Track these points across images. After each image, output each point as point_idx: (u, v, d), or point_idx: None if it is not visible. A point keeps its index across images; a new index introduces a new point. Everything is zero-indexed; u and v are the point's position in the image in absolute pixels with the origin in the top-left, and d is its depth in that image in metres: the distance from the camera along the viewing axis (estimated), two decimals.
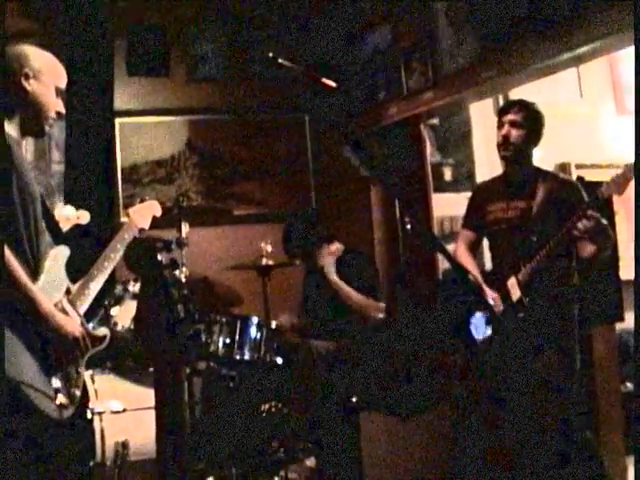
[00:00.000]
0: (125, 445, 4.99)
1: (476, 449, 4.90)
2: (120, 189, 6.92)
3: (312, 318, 5.99)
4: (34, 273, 3.24)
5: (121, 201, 6.86)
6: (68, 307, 3.34)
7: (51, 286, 3.30)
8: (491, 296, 4.75)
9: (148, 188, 6.97)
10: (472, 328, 4.77)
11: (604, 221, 4.45)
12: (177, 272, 4.81)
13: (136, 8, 6.98)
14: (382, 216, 7.13)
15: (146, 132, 7.05)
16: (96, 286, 3.54)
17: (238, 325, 5.27)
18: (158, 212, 4.23)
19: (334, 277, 5.71)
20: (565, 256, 4.68)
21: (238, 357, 5.23)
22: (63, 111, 3.46)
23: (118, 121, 6.88)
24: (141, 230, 3.98)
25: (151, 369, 5.24)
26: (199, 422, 5.41)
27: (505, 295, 4.72)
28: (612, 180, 4.35)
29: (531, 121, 4.79)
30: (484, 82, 5.91)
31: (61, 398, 3.21)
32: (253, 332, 5.28)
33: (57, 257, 3.40)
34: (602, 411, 5.42)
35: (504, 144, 4.79)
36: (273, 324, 5.46)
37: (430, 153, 7.11)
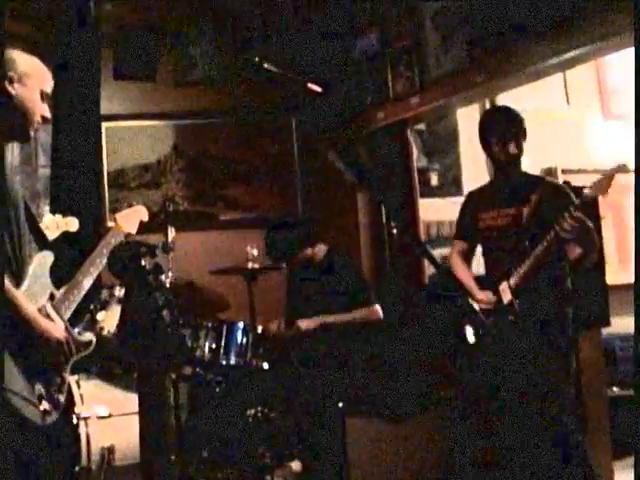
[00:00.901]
0: (111, 450, 4.98)
1: (467, 452, 4.91)
2: (107, 193, 6.90)
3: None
4: (17, 278, 3.21)
5: (107, 205, 6.84)
6: (52, 312, 3.30)
7: (35, 291, 3.27)
8: (481, 296, 4.81)
9: (134, 193, 6.96)
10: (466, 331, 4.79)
11: (589, 223, 4.48)
12: (162, 277, 4.79)
13: (123, 12, 6.96)
14: (368, 220, 7.13)
15: (133, 136, 7.03)
16: (81, 291, 3.51)
17: (224, 330, 5.26)
18: (145, 217, 4.19)
19: (317, 321, 5.75)
20: (557, 260, 4.70)
21: (224, 362, 5.23)
22: (49, 115, 3.43)
23: (105, 125, 6.85)
24: (127, 235, 3.94)
25: (135, 375, 5.23)
26: (185, 427, 5.40)
27: (497, 299, 4.75)
28: (596, 182, 4.40)
29: (525, 132, 4.86)
30: (471, 87, 5.92)
31: (45, 404, 3.18)
32: (239, 337, 5.28)
33: (41, 262, 3.36)
34: (589, 415, 5.42)
35: (513, 162, 4.83)
36: (259, 329, 5.45)
37: (416, 158, 7.11)
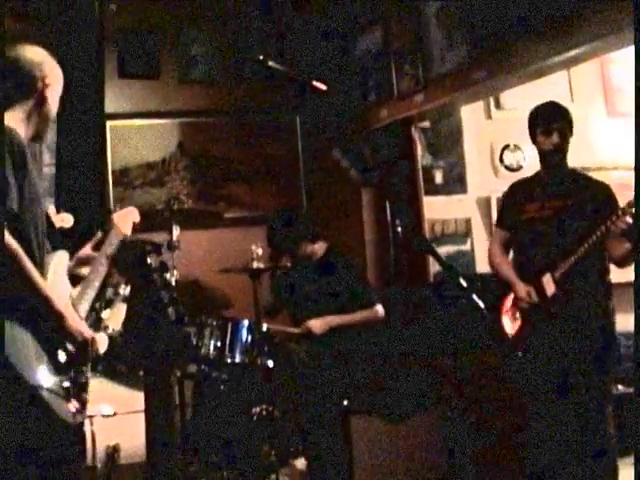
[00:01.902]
0: (116, 449, 4.98)
1: (468, 452, 4.91)
2: (111, 192, 6.91)
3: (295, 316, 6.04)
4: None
5: (112, 204, 6.83)
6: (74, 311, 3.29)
7: (57, 290, 3.24)
8: (525, 290, 4.85)
9: (139, 191, 6.96)
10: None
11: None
12: (167, 275, 4.80)
13: (127, 10, 6.97)
14: (373, 218, 7.13)
15: (137, 135, 7.03)
16: (94, 291, 3.51)
17: (229, 328, 5.26)
18: (137, 218, 4.16)
19: (326, 322, 5.77)
20: (601, 255, 4.78)
21: (229, 360, 5.22)
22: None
23: (109, 124, 6.87)
24: (124, 237, 3.95)
25: (141, 372, 5.23)
26: (190, 425, 5.40)
27: (539, 291, 4.80)
28: None
29: (571, 126, 4.94)
30: (475, 85, 5.91)
31: (74, 403, 3.14)
32: (244, 335, 5.28)
33: (61, 261, 3.36)
34: None
35: (556, 152, 4.89)
36: (264, 327, 5.45)
37: (421, 156, 7.11)
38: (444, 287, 6.11)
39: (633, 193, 3.98)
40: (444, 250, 7.10)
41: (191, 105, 7.18)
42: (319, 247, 5.98)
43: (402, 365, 5.63)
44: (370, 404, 5.05)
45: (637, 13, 3.63)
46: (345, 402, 4.94)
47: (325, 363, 5.57)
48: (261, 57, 2.89)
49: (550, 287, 4.76)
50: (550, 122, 4.89)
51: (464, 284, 2.96)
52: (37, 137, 3.42)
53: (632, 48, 3.57)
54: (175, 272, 5.30)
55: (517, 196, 5.15)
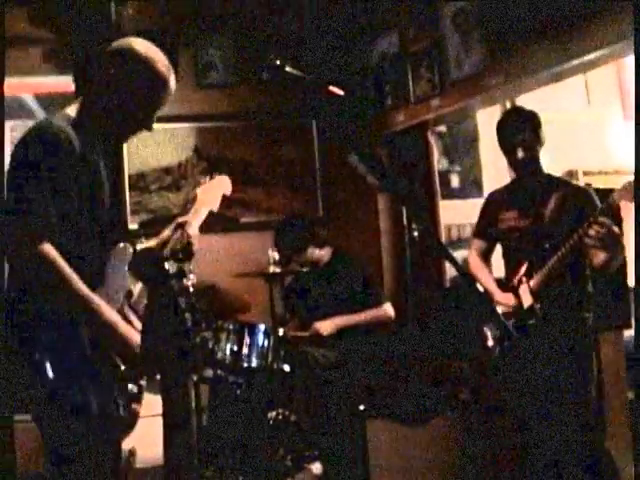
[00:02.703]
0: (132, 452, 4.98)
1: (483, 456, 4.90)
2: (127, 196, 6.91)
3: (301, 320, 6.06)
4: (98, 275, 3.10)
5: (128, 208, 6.85)
6: (130, 314, 3.18)
7: (114, 289, 3.14)
8: (500, 297, 4.79)
9: (155, 195, 6.97)
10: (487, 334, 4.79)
11: (616, 228, 4.41)
12: (185, 280, 4.80)
13: (143, 14, 6.98)
14: (389, 223, 7.14)
15: (153, 139, 7.04)
16: None
17: (245, 332, 5.26)
18: (229, 190, 3.82)
19: (335, 324, 5.80)
20: (578, 264, 4.68)
21: (245, 364, 5.23)
22: None
23: None
24: (210, 214, 3.59)
25: (158, 377, 5.23)
26: (206, 430, 5.41)
27: (518, 302, 4.74)
28: (624, 187, 4.30)
29: (538, 130, 4.78)
30: (491, 89, 5.91)
31: (125, 418, 3.11)
32: (260, 339, 5.28)
33: (120, 256, 3.24)
34: (611, 417, 5.41)
35: (525, 165, 4.75)
36: (280, 331, 5.46)
37: (437, 160, 7.12)
38: (460, 292, 6.11)
39: None
40: (460, 254, 7.09)
41: (207, 109, 7.19)
42: (325, 252, 6.02)
43: (418, 369, 5.63)
44: (386, 408, 5.05)
45: (637, 16, 3.63)
46: (361, 406, 4.94)
47: (341, 366, 5.58)
48: (278, 62, 2.88)
49: (527, 298, 4.70)
50: (511, 138, 4.74)
51: (480, 289, 2.95)
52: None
53: None
54: (192, 276, 5.31)
55: (494, 205, 5.05)
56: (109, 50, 3.25)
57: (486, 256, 5.14)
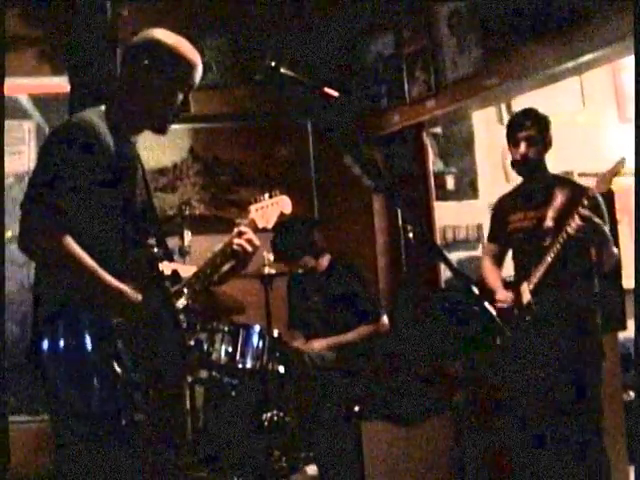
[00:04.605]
0: None
1: (478, 456, 4.91)
2: None
3: (301, 329, 6.06)
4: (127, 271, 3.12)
5: None
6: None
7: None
8: (501, 295, 4.86)
9: None
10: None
11: (597, 220, 4.50)
12: (179, 282, 4.79)
13: (139, 15, 6.97)
14: (384, 224, 7.13)
15: (148, 140, 7.01)
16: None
17: (240, 334, 5.26)
18: (288, 209, 3.98)
19: (329, 342, 5.84)
20: (579, 261, 4.72)
21: (240, 366, 5.22)
22: None
23: None
24: (260, 230, 3.78)
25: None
26: (201, 431, 5.40)
27: (517, 300, 4.80)
28: (599, 178, 4.50)
29: (545, 132, 4.85)
30: (487, 90, 5.91)
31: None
32: (255, 341, 5.28)
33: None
34: (606, 419, 5.41)
35: (524, 163, 4.82)
36: (275, 333, 5.45)
37: (432, 161, 7.11)
38: (455, 293, 6.11)
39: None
40: (455, 256, 7.11)
41: (203, 110, 7.17)
42: (323, 260, 6.00)
43: (413, 370, 5.63)
44: (381, 409, 5.05)
45: (637, 16, 3.63)
46: (356, 407, 4.94)
47: (335, 368, 5.58)
48: (273, 63, 2.88)
49: (525, 296, 4.75)
50: (517, 131, 4.83)
51: (475, 291, 2.95)
52: None
53: None
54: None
55: (503, 209, 5.12)
56: (135, 44, 3.31)
57: (499, 259, 5.19)
